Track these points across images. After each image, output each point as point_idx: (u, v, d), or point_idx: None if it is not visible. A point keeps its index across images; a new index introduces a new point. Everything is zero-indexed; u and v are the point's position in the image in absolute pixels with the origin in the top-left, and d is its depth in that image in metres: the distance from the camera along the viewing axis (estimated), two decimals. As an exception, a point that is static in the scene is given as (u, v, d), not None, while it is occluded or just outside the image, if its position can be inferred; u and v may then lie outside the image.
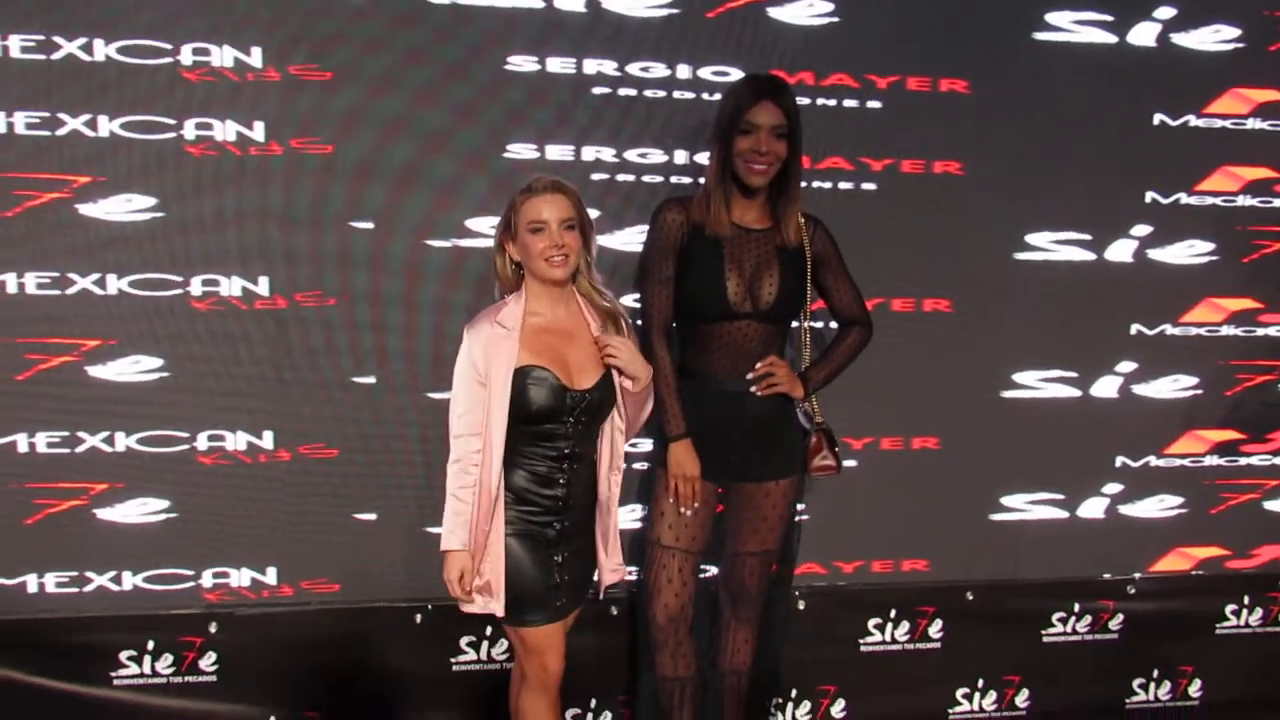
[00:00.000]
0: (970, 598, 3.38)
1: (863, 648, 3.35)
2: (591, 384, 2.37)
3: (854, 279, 2.77)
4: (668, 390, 2.61)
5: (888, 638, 3.37)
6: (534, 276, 2.36)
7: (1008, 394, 3.35)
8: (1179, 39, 3.25)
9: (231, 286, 2.90)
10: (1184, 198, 3.34)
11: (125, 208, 2.82)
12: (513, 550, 2.35)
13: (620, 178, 3.04)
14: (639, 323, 2.70)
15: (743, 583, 2.78)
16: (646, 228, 2.70)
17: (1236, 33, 3.27)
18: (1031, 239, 3.28)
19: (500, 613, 2.36)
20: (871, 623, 3.35)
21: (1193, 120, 3.30)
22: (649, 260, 2.67)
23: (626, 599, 3.13)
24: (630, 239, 3.02)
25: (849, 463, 3.27)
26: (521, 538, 2.35)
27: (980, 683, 3.44)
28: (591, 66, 2.97)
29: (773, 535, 2.73)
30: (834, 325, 2.86)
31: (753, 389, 2.66)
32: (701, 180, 2.82)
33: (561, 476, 2.38)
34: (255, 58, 2.81)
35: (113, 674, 2.96)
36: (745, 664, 2.85)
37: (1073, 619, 3.46)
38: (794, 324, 2.79)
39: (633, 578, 2.99)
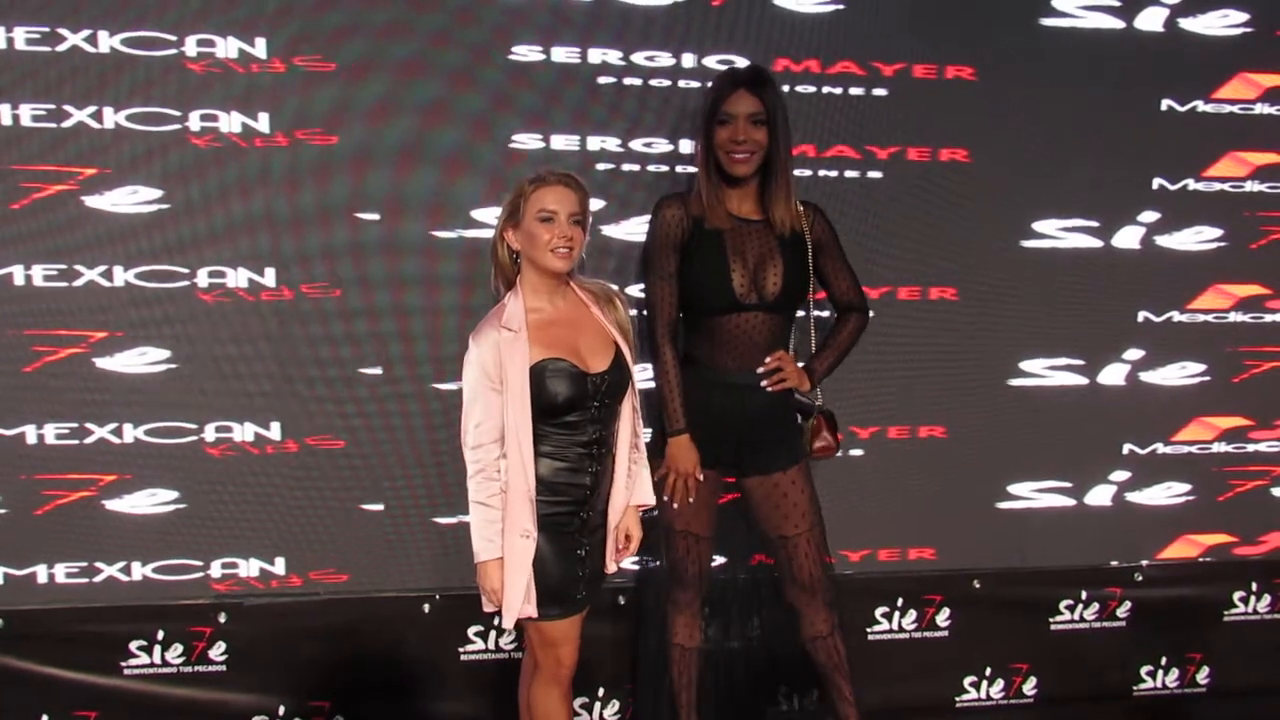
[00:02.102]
0: (977, 586, 3.38)
1: (870, 636, 3.36)
2: (606, 365, 2.37)
3: (851, 266, 2.77)
4: (669, 387, 2.64)
5: (895, 626, 3.37)
6: (533, 266, 2.35)
7: (1015, 382, 3.34)
8: (1187, 24, 3.23)
9: (238, 278, 2.90)
10: (1192, 184, 3.33)
11: (131, 199, 2.82)
12: (538, 544, 2.34)
13: (626, 167, 3.03)
14: (643, 312, 2.72)
15: (806, 576, 2.73)
16: (651, 218, 2.71)
17: (1245, 17, 3.25)
18: (1038, 226, 3.27)
19: (535, 614, 2.35)
20: (879, 611, 3.36)
21: (1200, 106, 3.29)
22: (651, 256, 2.69)
23: (634, 588, 3.15)
24: (635, 229, 3.02)
25: (856, 451, 3.28)
26: (546, 531, 2.34)
27: (988, 671, 3.45)
28: (597, 56, 2.96)
29: (805, 520, 2.72)
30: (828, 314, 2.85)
31: (763, 384, 2.67)
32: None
33: (591, 464, 2.38)
34: (260, 49, 2.81)
35: (123, 663, 2.98)
36: (825, 631, 2.79)
37: (1080, 607, 3.46)
38: (804, 313, 2.79)
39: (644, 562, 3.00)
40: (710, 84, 2.66)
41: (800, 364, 2.76)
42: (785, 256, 2.63)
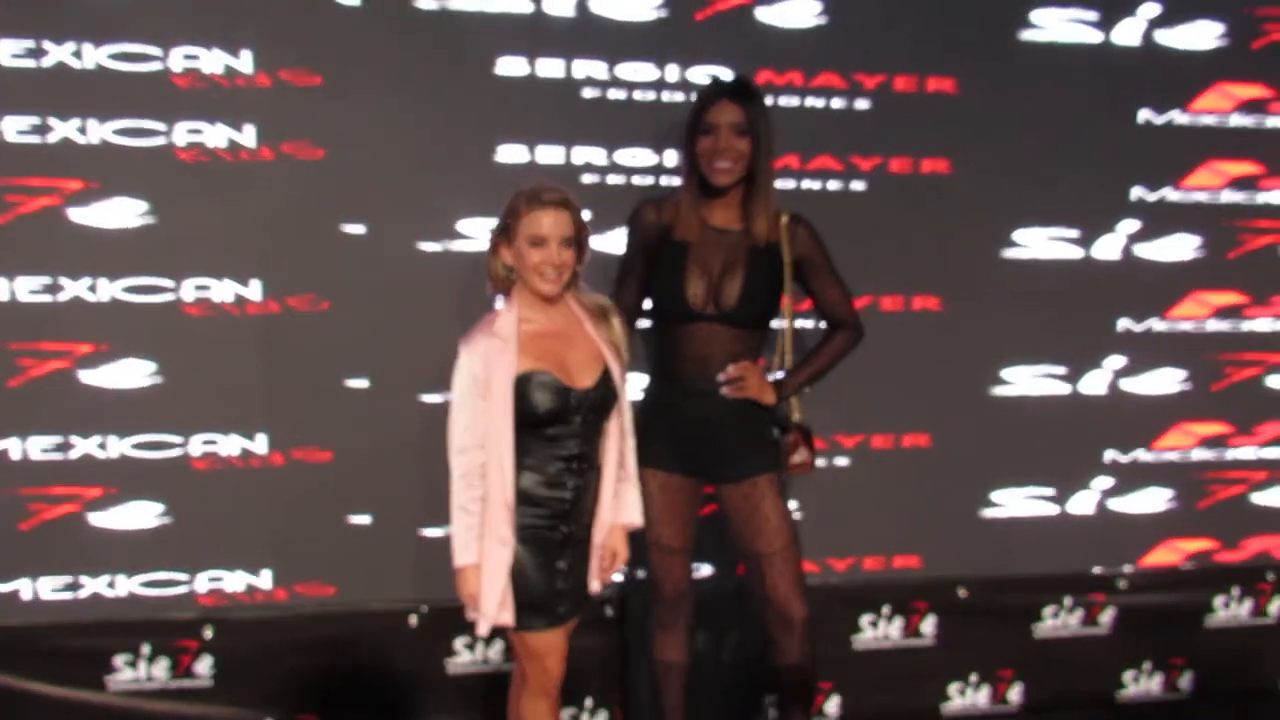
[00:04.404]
0: (962, 593, 3.40)
1: (856, 645, 3.37)
2: (592, 382, 2.37)
3: (843, 280, 2.74)
4: None
5: (881, 634, 3.38)
6: (525, 286, 2.37)
7: (997, 391, 3.37)
8: (1163, 36, 3.28)
9: (224, 291, 2.90)
10: (1170, 194, 3.37)
11: (117, 213, 2.82)
12: (517, 554, 2.34)
13: (611, 179, 3.05)
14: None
15: (781, 598, 2.68)
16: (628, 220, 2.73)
17: (1220, 29, 3.30)
18: (1019, 236, 3.30)
19: (510, 622, 2.36)
20: (865, 619, 3.37)
21: (1178, 117, 3.33)
22: (625, 255, 2.72)
23: (618, 598, 3.15)
24: (621, 240, 3.02)
25: (840, 461, 3.30)
26: (526, 542, 2.35)
27: (973, 678, 3.46)
28: (581, 69, 2.98)
29: (779, 537, 2.67)
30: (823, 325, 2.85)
31: (722, 390, 2.65)
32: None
33: (570, 479, 2.38)
34: (245, 62, 2.82)
35: (108, 679, 2.96)
36: (796, 660, 2.74)
37: (1064, 613, 3.48)
38: (777, 325, 2.79)
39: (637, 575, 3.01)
40: (695, 95, 2.66)
41: (774, 376, 2.73)
42: (752, 268, 2.60)
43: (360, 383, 2.99)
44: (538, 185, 2.34)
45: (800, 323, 2.85)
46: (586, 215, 2.39)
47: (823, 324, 2.79)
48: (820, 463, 3.23)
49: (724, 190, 2.59)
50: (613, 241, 3.03)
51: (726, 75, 2.96)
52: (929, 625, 3.40)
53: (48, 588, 2.96)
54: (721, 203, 2.63)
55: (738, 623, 3.22)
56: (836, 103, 3.13)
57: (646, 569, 2.80)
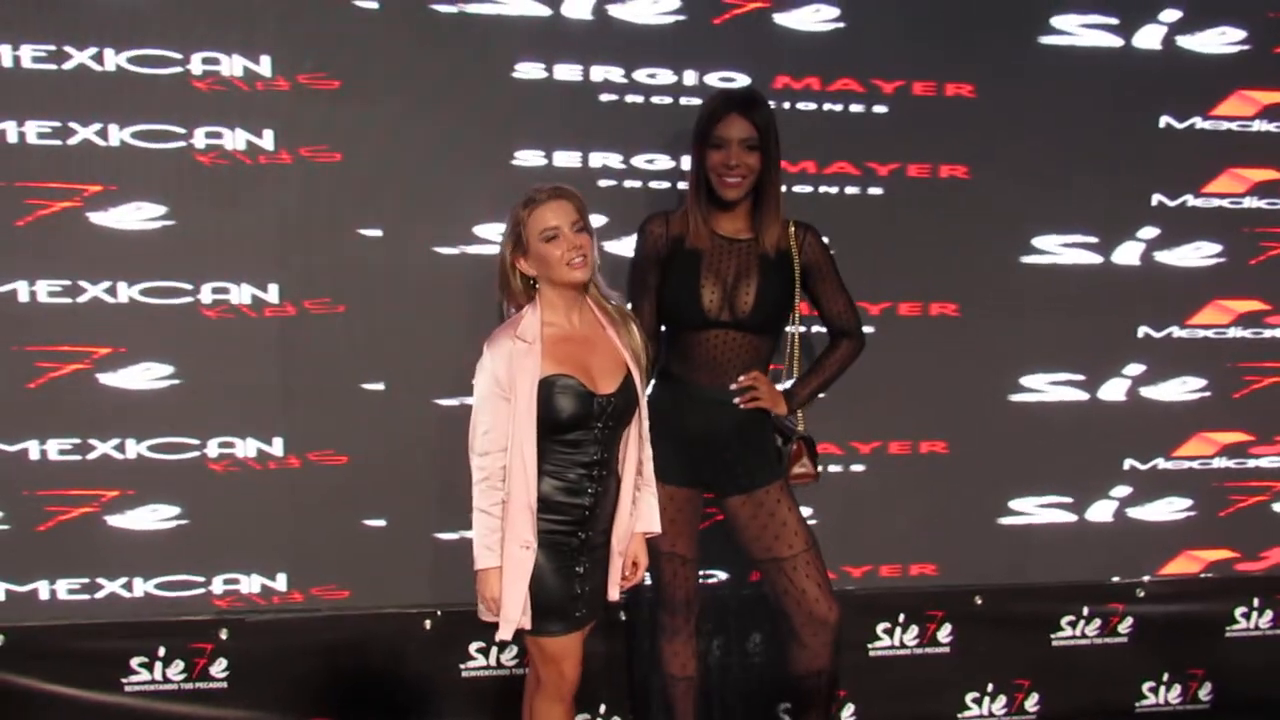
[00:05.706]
0: (979, 602, 3.38)
1: (872, 653, 3.35)
2: (614, 388, 2.37)
3: (848, 289, 2.72)
4: None
5: (897, 642, 3.37)
6: (554, 284, 2.35)
7: (1015, 397, 3.35)
8: (1185, 41, 3.25)
9: (241, 294, 2.91)
10: (1191, 200, 3.34)
11: (136, 216, 2.83)
12: (536, 559, 2.34)
13: (628, 184, 3.05)
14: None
15: (812, 600, 2.66)
16: (637, 235, 2.73)
17: (1242, 35, 3.27)
18: (1038, 242, 3.28)
19: (528, 626, 2.35)
20: (880, 627, 3.35)
21: (1199, 122, 3.31)
22: (636, 271, 2.71)
23: (627, 606, 3.14)
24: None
25: (857, 467, 3.29)
26: (544, 548, 2.34)
27: (990, 687, 3.44)
28: (599, 73, 2.98)
29: (799, 539, 2.67)
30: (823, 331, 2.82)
31: (735, 401, 2.65)
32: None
33: (590, 485, 2.37)
34: (264, 67, 2.83)
35: (124, 680, 2.98)
36: (828, 665, 2.73)
37: (1082, 622, 3.45)
38: (788, 330, 2.78)
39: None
40: (703, 104, 2.63)
41: (782, 386, 2.73)
42: (765, 276, 2.60)
43: (376, 386, 2.99)
44: (529, 190, 2.35)
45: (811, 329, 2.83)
46: (602, 219, 2.39)
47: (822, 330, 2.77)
48: (836, 469, 3.23)
49: (732, 202, 2.59)
50: (629, 246, 3.03)
51: (738, 82, 2.97)
52: (945, 634, 3.38)
53: (65, 589, 2.97)
54: (729, 213, 2.63)
55: (747, 630, 3.21)
56: (854, 108, 3.11)
57: (656, 579, 2.78)
